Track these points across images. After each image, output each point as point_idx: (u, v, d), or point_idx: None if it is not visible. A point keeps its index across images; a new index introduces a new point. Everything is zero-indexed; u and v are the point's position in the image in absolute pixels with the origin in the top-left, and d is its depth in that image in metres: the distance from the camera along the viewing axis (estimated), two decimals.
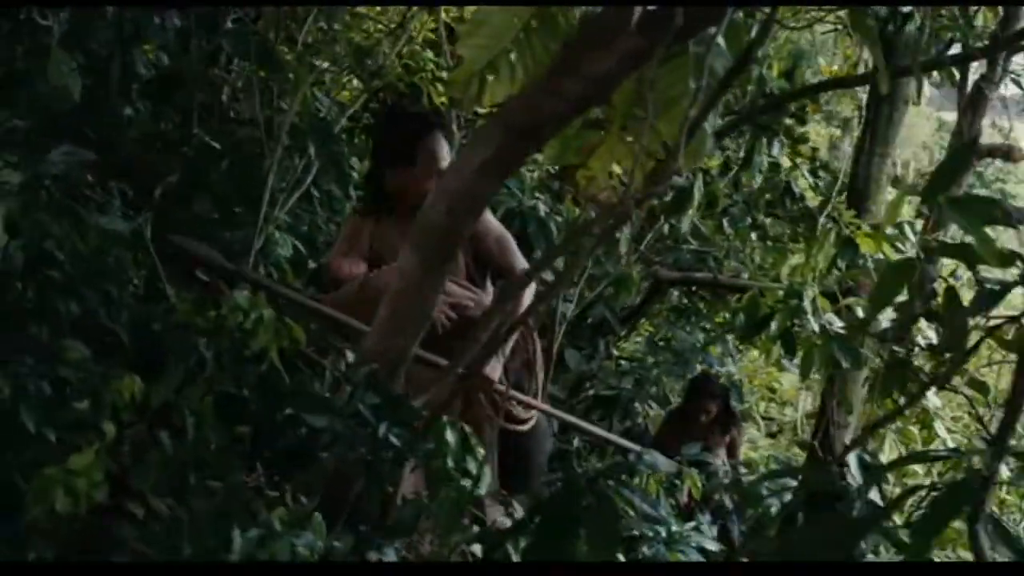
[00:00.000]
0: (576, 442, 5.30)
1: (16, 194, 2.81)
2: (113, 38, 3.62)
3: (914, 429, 5.64)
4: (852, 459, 3.74)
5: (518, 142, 2.06)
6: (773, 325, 4.38)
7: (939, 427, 5.03)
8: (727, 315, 6.77)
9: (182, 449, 2.10)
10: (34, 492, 1.94)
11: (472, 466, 2.53)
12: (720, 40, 2.18)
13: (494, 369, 3.33)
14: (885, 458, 6.04)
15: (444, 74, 6.65)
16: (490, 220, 3.47)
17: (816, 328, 4.32)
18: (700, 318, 6.83)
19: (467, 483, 2.52)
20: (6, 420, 2.15)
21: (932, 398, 4.88)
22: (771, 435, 8.93)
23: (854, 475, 3.57)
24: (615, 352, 6.52)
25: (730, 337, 6.51)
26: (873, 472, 3.50)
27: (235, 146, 3.65)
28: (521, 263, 3.48)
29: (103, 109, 3.59)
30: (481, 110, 4.29)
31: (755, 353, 8.21)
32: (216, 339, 2.20)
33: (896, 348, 4.61)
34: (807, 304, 4.35)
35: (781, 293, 4.51)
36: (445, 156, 3.36)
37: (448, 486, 2.46)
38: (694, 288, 6.81)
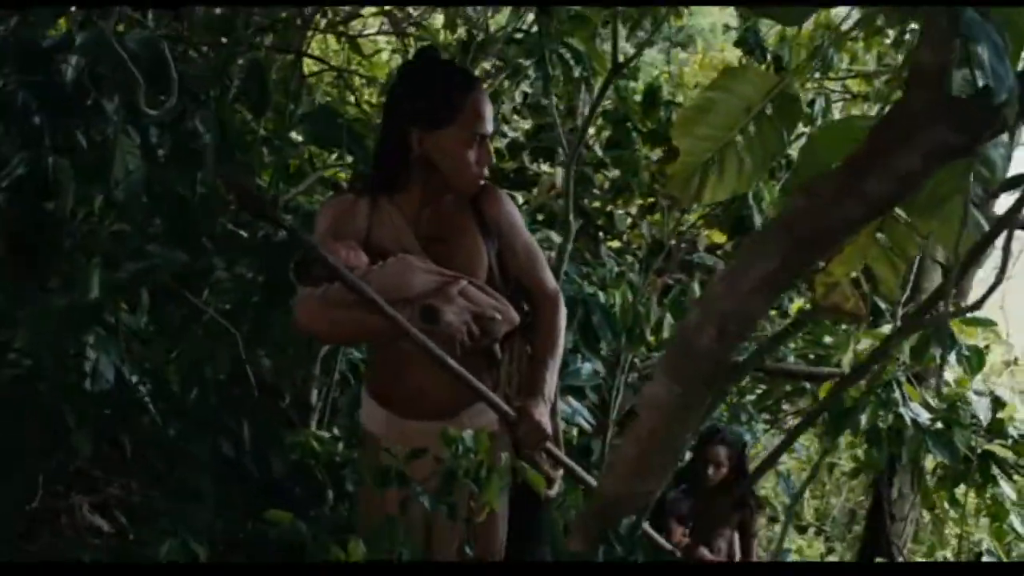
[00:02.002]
0: None
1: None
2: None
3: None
4: None
5: (805, 253, 1.77)
6: (863, 418, 4.13)
7: (1015, 520, 4.78)
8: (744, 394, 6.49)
9: None
10: None
11: None
12: None
13: (543, 415, 2.56)
14: (951, 556, 5.83)
15: None
16: (519, 219, 2.77)
17: (909, 420, 4.09)
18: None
19: None
20: None
21: (1006, 488, 4.65)
22: (772, 519, 8.63)
23: None
24: None
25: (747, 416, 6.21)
26: None
27: None
28: (552, 281, 2.80)
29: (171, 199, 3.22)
30: None
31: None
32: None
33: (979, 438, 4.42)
34: (897, 395, 4.12)
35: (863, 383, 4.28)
36: (490, 118, 2.61)
37: None
38: None
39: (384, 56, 5.39)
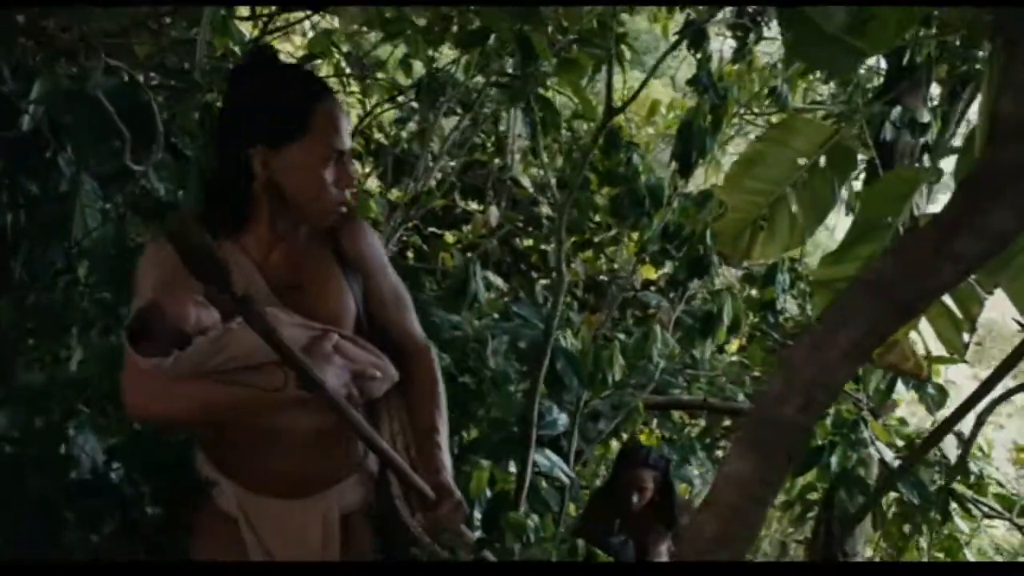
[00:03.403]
0: None
1: None
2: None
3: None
4: None
5: (897, 316, 1.67)
6: (833, 460, 4.08)
7: (969, 555, 4.81)
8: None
9: None
10: None
11: None
12: None
13: (456, 489, 2.19)
14: None
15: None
16: (385, 257, 2.32)
17: (877, 459, 4.08)
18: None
19: None
20: None
21: (959, 523, 4.67)
22: None
23: None
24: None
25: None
26: None
27: None
28: (421, 333, 2.36)
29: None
30: None
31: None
32: None
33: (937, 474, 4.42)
34: (866, 434, 4.10)
35: (828, 422, 4.25)
36: (347, 132, 2.12)
37: None
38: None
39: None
